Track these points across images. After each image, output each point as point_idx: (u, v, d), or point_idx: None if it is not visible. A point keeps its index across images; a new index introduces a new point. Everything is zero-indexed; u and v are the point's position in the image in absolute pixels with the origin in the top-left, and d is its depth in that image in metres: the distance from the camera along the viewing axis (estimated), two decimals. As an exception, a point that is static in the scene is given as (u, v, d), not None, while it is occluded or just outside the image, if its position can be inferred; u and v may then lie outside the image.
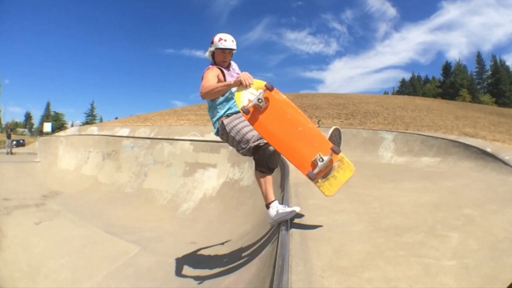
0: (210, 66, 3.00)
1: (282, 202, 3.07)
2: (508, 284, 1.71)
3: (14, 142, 27.01)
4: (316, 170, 2.50)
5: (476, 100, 57.42)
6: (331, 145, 2.56)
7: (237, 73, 3.09)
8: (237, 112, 2.91)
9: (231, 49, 2.98)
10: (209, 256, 3.76)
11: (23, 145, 30.80)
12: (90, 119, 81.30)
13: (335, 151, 2.53)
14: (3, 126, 65.48)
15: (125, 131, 22.99)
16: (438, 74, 77.65)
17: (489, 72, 68.55)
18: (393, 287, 1.77)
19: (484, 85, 69.05)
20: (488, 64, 69.38)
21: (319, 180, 2.50)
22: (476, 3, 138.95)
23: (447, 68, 73.48)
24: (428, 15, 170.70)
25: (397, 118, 19.85)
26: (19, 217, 6.61)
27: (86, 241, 5.07)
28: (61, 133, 29.07)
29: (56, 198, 8.55)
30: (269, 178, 2.82)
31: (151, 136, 19.19)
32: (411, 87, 76.29)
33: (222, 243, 4.11)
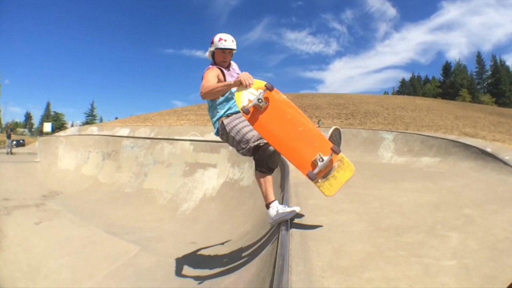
0: (210, 66, 3.00)
1: (282, 202, 3.07)
2: (508, 284, 1.71)
3: (14, 142, 27.03)
4: (316, 170, 2.50)
5: (476, 100, 57.46)
6: (331, 145, 2.56)
7: (237, 73, 3.09)
8: (237, 112, 2.91)
9: (231, 49, 2.98)
10: (209, 256, 3.76)
11: (23, 145, 30.81)
12: (90, 119, 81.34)
13: (335, 151, 2.53)
14: (3, 126, 65.49)
15: (125, 131, 23.00)
16: (438, 74, 77.85)
17: (489, 72, 68.62)
18: (393, 287, 1.77)
19: (484, 85, 69.11)
20: (488, 64, 69.52)
21: (319, 180, 2.50)
22: (476, 3, 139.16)
23: (447, 68, 73.52)
24: (428, 15, 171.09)
25: (397, 118, 19.86)
26: (19, 217, 6.61)
27: (86, 241, 5.08)
28: (61, 133, 29.07)
29: (56, 198, 8.55)
30: (269, 178, 2.82)
31: (151, 136, 19.19)
32: (411, 87, 76.33)
33: (222, 243, 4.11)
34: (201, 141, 8.91)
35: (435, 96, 61.13)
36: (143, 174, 8.56)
